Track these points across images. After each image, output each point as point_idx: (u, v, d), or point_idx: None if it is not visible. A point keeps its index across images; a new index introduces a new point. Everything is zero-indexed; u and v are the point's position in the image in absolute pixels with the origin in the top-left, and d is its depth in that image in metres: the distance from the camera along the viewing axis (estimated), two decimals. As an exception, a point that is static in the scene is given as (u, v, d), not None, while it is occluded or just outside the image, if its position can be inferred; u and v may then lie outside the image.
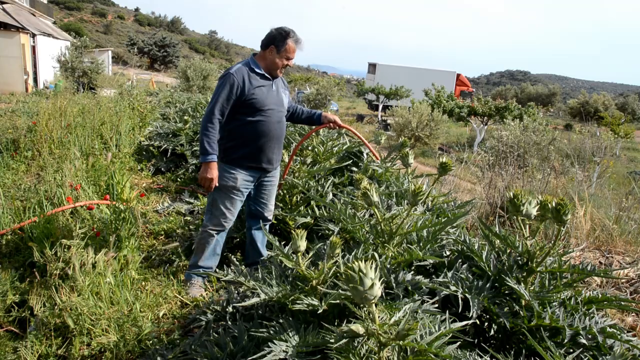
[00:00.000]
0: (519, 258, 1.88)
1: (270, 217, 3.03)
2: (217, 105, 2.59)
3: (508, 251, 1.95)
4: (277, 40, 2.64)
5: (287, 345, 1.51)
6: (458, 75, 31.39)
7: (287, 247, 1.94)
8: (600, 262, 3.37)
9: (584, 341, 1.65)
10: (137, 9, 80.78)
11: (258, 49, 2.78)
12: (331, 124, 3.07)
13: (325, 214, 2.78)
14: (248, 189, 2.82)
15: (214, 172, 2.63)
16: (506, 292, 1.84)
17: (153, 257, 3.25)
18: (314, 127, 3.28)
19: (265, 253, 3.03)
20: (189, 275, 2.86)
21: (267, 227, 3.06)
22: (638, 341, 1.64)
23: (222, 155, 2.72)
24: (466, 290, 1.77)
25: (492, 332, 1.82)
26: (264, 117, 2.69)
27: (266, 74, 2.71)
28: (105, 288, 2.34)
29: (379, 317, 1.41)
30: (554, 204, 1.68)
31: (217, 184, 2.69)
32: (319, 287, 1.77)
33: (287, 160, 3.43)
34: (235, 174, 2.71)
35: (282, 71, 2.75)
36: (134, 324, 2.21)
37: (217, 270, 2.01)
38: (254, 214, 2.98)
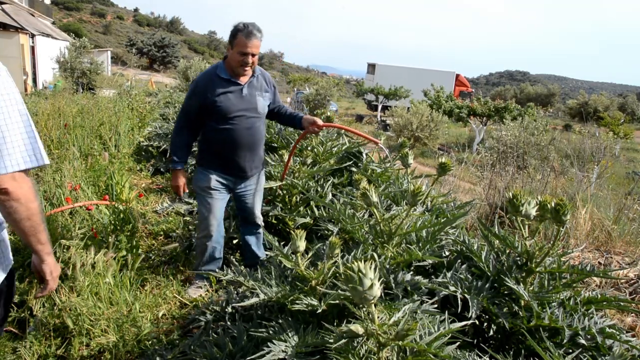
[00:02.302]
0: (518, 258, 1.89)
1: (259, 222, 2.97)
2: (182, 114, 2.70)
3: (507, 251, 1.95)
4: (231, 35, 2.54)
5: (286, 346, 1.51)
6: (457, 75, 31.43)
7: (286, 248, 1.94)
8: (600, 263, 3.37)
9: (583, 341, 1.65)
10: (136, 10, 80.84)
11: None
12: (310, 127, 2.76)
13: (325, 214, 2.78)
14: (224, 189, 2.76)
15: (179, 180, 2.77)
16: (505, 292, 1.84)
17: (152, 257, 3.25)
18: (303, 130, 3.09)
19: (262, 254, 3.01)
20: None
21: (260, 230, 3.01)
22: (637, 341, 1.64)
23: (198, 158, 2.79)
24: (465, 290, 1.77)
25: (491, 333, 1.82)
26: (231, 124, 2.60)
27: (233, 79, 2.59)
28: (104, 288, 2.34)
29: (378, 317, 1.41)
30: (553, 204, 1.68)
31: (187, 190, 2.83)
32: (318, 287, 1.77)
33: (286, 160, 3.42)
34: (208, 175, 2.70)
35: (246, 69, 2.56)
36: (133, 324, 2.21)
37: (217, 270, 2.01)
38: (242, 221, 3.00)
